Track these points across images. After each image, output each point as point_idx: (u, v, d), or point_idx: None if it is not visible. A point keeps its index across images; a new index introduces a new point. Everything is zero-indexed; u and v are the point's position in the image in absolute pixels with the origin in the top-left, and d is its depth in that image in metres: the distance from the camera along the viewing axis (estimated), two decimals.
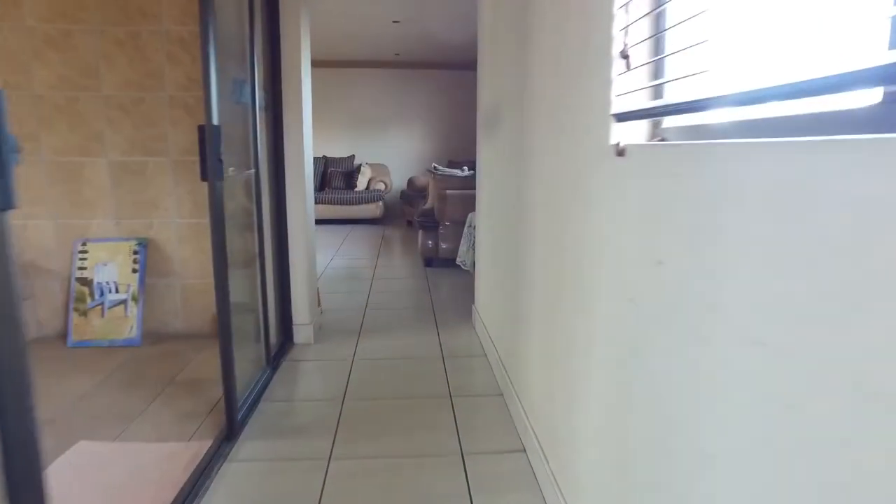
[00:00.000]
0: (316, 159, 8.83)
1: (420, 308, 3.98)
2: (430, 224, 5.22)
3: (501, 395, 2.54)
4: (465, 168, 6.72)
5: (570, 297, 1.55)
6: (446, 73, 9.24)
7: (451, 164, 8.53)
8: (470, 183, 5.34)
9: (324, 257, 5.83)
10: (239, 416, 2.22)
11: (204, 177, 1.91)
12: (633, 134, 1.21)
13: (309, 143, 3.33)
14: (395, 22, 6.59)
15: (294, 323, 3.21)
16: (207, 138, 1.89)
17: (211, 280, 2.09)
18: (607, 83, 1.23)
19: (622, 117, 1.19)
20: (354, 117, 9.28)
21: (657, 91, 1.18)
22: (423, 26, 6.88)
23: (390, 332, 3.46)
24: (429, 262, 5.38)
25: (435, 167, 6.72)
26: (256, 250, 2.73)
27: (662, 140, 1.17)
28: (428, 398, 2.53)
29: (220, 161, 1.94)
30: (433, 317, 3.76)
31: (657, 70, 1.20)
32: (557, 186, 1.67)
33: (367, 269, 5.35)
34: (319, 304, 3.70)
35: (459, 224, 5.12)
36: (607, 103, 1.23)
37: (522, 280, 2.21)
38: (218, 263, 2.00)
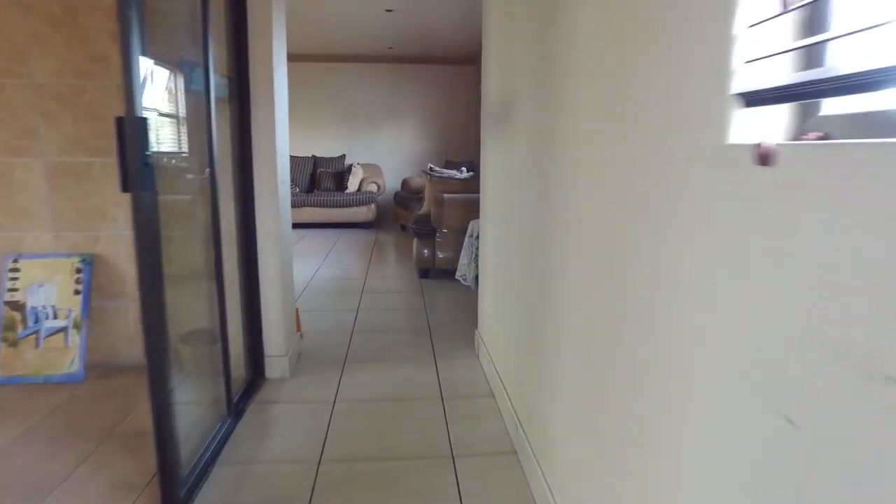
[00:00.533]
0: (304, 159, 8.34)
1: (415, 330, 3.49)
2: (425, 231, 4.74)
3: (515, 452, 2.06)
4: (464, 169, 6.24)
5: (637, 362, 1.07)
6: (443, 69, 8.75)
7: (449, 165, 8.04)
8: (471, 186, 4.86)
9: (309, 267, 5.33)
10: (183, 492, 1.73)
11: (124, 187, 1.42)
12: (767, 126, 0.73)
13: (284, 140, 2.84)
14: (387, 11, 6.10)
15: (266, 354, 2.72)
16: (128, 134, 1.40)
17: None
18: (727, 41, 0.74)
19: (756, 98, 0.71)
20: (346, 115, 8.78)
21: (807, 57, 0.70)
22: (418, 17, 6.38)
23: (380, 362, 2.97)
24: (424, 273, 4.89)
25: (431, 168, 6.25)
26: (213, 268, 2.23)
27: (824, 137, 0.69)
28: (424, 459, 2.04)
29: (148, 165, 1.44)
30: (430, 341, 3.28)
31: (814, 19, 0.71)
32: (617, 203, 1.18)
33: (357, 280, 4.86)
34: (299, 328, 3.21)
35: (459, 232, 4.64)
36: (725, 75, 0.75)
37: (546, 310, 1.73)
38: (146, 290, 1.51)
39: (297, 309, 3.29)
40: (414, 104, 8.81)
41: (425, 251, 4.75)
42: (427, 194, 4.95)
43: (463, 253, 3.79)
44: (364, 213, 7.90)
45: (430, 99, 8.81)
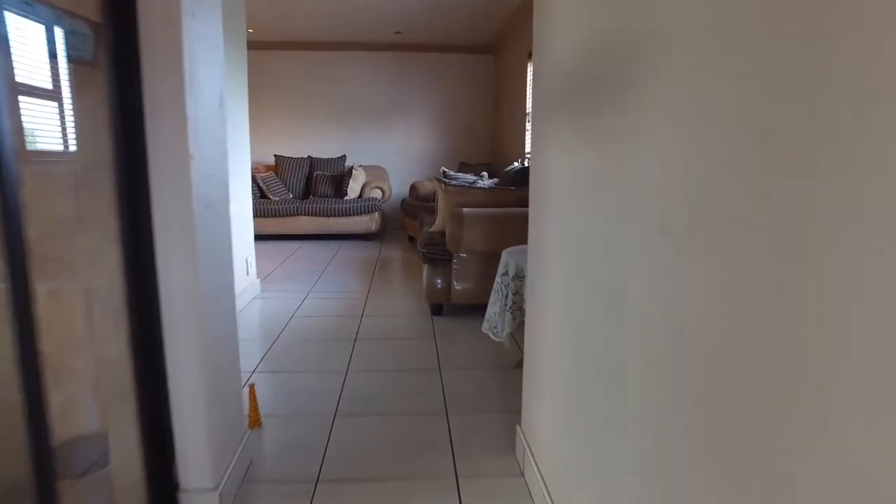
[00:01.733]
0: (299, 161, 7.30)
1: (426, 414, 2.42)
2: (438, 255, 3.67)
3: None
4: (485, 175, 5.17)
5: None
6: (458, 58, 7.68)
7: (463, 168, 6.97)
8: (498, 198, 3.79)
9: (294, 296, 4.29)
10: None
11: None
12: None
13: (214, 135, 1.79)
14: None
15: (181, 489, 1.66)
16: None
17: None
18: None
19: None
20: (346, 110, 7.73)
21: None
22: None
23: (370, 484, 1.91)
24: (437, 309, 3.83)
25: (444, 173, 5.18)
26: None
27: None
28: None
29: None
30: (447, 435, 2.21)
31: None
32: None
33: (351, 317, 3.80)
34: (254, 418, 2.16)
35: (482, 258, 3.57)
36: None
37: (694, 437, 0.66)
38: None
39: (251, 389, 2.24)
40: (424, 98, 7.75)
41: (438, 281, 3.69)
42: (440, 207, 3.88)
43: (493, 297, 2.71)
44: (366, 222, 6.85)
45: (443, 92, 7.74)
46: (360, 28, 6.78)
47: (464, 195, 3.76)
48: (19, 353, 1.11)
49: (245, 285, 4.08)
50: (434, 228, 3.96)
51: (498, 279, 2.65)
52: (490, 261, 3.65)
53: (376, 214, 6.88)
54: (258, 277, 4.50)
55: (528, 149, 5.86)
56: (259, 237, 7.15)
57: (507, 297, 2.58)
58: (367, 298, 4.30)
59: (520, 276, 2.48)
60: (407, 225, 6.77)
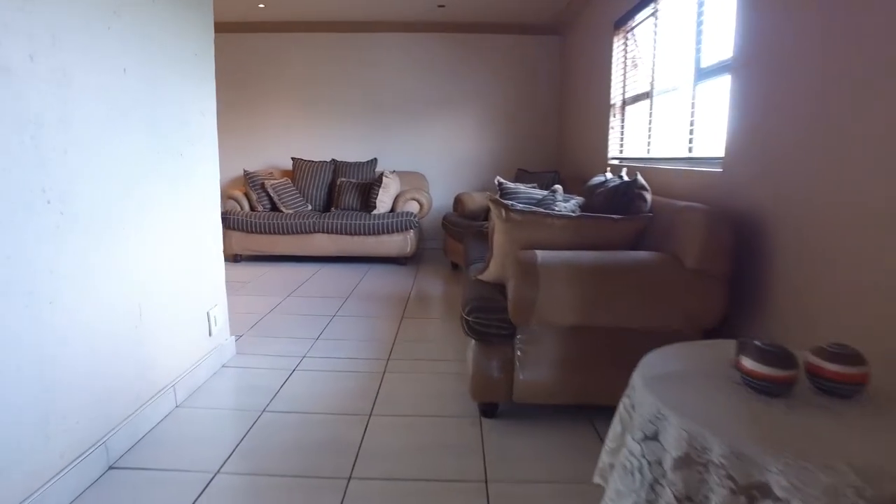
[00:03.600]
0: (320, 165, 6.01)
1: None
2: (494, 328, 2.25)
3: None
4: (558, 189, 3.71)
5: None
6: (516, 40, 6.24)
7: (523, 177, 5.52)
8: (594, 232, 2.36)
9: (277, 369, 2.93)
10: None
11: None
12: None
13: None
14: None
15: None
16: None
17: None
18: None
19: None
20: (378, 104, 6.39)
21: None
22: None
23: None
24: (490, 409, 2.39)
25: (500, 184, 3.77)
26: None
27: None
28: None
29: None
30: None
31: None
32: None
33: (353, 418, 2.42)
34: None
35: (568, 333, 2.14)
36: None
37: None
38: None
39: None
40: (472, 89, 6.33)
41: (493, 364, 2.27)
42: (497, 244, 2.45)
43: (619, 479, 1.28)
44: (399, 243, 5.48)
45: (496, 82, 6.31)
46: (395, 2, 5.43)
47: (536, 228, 2.32)
48: None
49: (204, 352, 2.76)
50: (487, 276, 2.54)
51: (632, 443, 1.19)
52: (581, 339, 2.21)
53: (411, 233, 5.50)
54: (233, 335, 3.18)
55: (614, 152, 4.37)
56: (267, 258, 5.95)
57: (651, 489, 1.12)
58: (385, 372, 2.91)
59: (696, 461, 1.03)
60: (450, 248, 5.37)
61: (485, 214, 4.90)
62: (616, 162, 4.32)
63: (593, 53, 4.86)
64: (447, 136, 6.41)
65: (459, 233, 4.96)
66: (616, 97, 4.29)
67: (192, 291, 2.65)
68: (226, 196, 5.64)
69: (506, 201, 2.40)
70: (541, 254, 2.16)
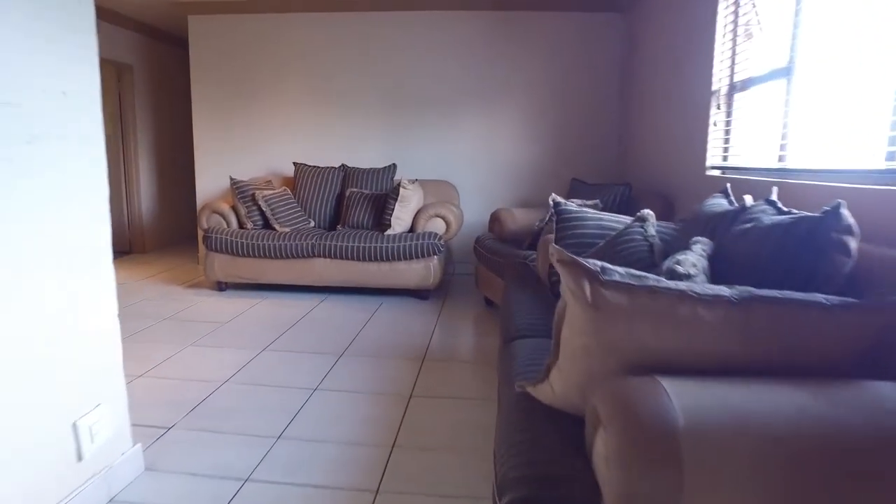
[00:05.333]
0: (327, 172, 4.94)
1: None
2: None
3: None
4: (649, 217, 2.47)
5: None
6: (569, 19, 5.02)
7: (577, 191, 4.29)
8: (787, 335, 1.05)
9: (217, 487, 1.82)
10: None
11: None
12: None
13: None
14: None
15: None
16: None
17: None
18: None
19: None
20: (397, 98, 5.25)
21: None
22: None
23: None
24: None
25: (556, 206, 2.59)
26: None
27: None
28: None
29: None
30: None
31: None
32: None
33: None
34: None
35: None
36: None
37: None
38: None
39: None
40: (515, 81, 5.13)
41: None
42: (572, 344, 1.25)
43: None
44: (419, 272, 4.33)
45: (545, 71, 5.10)
46: None
47: (661, 324, 1.10)
48: None
49: (67, 490, 1.64)
50: (545, 396, 1.33)
51: None
52: None
53: (435, 260, 4.34)
54: (146, 440, 2.07)
55: (714, 160, 3.12)
56: (258, 287, 4.87)
57: None
58: (383, 481, 1.75)
59: None
60: (483, 279, 4.19)
61: (531, 239, 3.70)
62: (717, 173, 3.07)
63: (680, 27, 3.62)
64: (483, 138, 5.22)
65: (497, 264, 3.77)
66: (720, 82, 3.04)
67: (39, 391, 1.54)
68: (210, 210, 4.59)
69: (591, 263, 1.18)
70: (678, 394, 0.96)
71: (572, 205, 2.59)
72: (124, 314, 4.03)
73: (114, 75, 6.02)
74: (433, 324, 3.83)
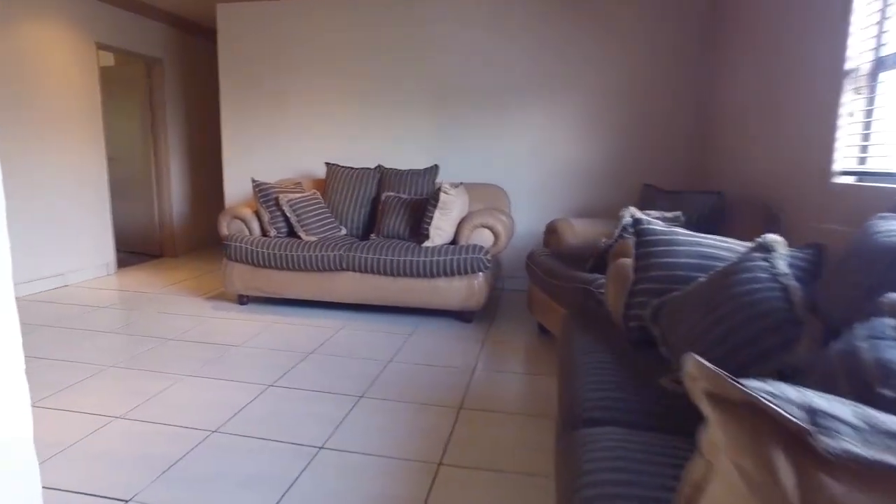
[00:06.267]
0: (361, 174, 4.39)
1: None
2: None
3: None
4: (776, 246, 1.74)
5: None
6: (638, 2, 4.31)
7: (651, 199, 3.56)
8: None
9: None
10: None
11: None
12: None
13: None
14: None
15: None
16: None
17: None
18: None
19: None
20: (443, 91, 4.66)
21: None
22: None
23: None
24: None
25: (637, 223, 1.88)
26: None
27: None
28: None
29: None
30: None
31: None
32: None
33: None
34: None
35: None
36: None
37: None
38: None
39: None
40: (575, 70, 4.45)
41: None
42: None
43: None
44: (462, 291, 3.72)
45: (611, 57, 4.40)
46: None
47: None
48: None
49: None
50: None
51: None
52: None
53: (481, 277, 3.72)
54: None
55: (845, 162, 2.38)
56: (281, 302, 4.27)
57: None
58: None
59: None
60: (537, 301, 3.54)
61: (595, 259, 3.03)
62: (849, 180, 2.33)
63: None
64: (537, 136, 4.56)
65: (554, 287, 3.12)
66: (859, 57, 2.30)
67: None
68: (230, 215, 4.13)
69: (790, 408, 0.53)
70: None
71: (658, 223, 1.92)
72: (129, 331, 3.62)
73: (144, 70, 5.68)
74: (476, 355, 3.22)
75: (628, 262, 2.16)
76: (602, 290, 2.66)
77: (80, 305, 4.12)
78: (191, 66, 6.13)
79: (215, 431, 2.28)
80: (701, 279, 1.69)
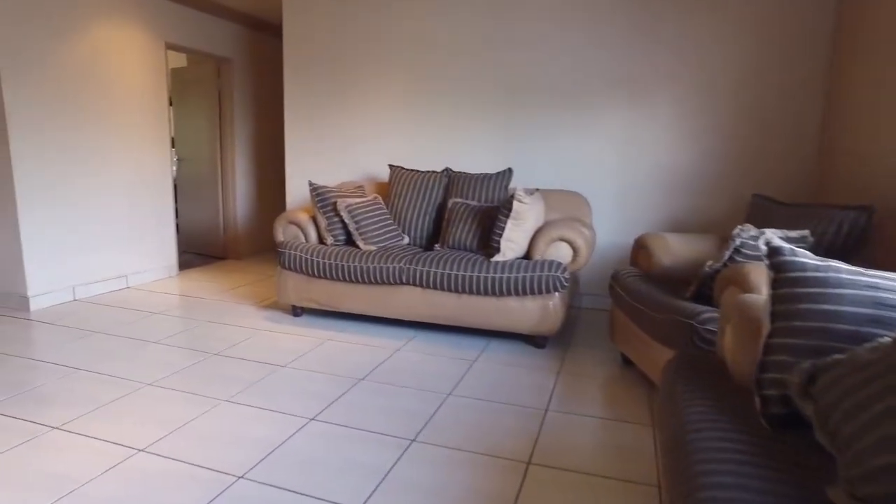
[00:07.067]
0: (426, 178, 4.03)
1: None
2: None
3: None
4: None
5: None
6: None
7: (768, 214, 2.93)
8: None
9: None
10: None
11: None
12: None
13: None
14: None
15: None
16: None
17: None
18: None
19: None
20: (518, 86, 4.22)
21: None
22: None
23: None
24: None
25: (776, 252, 1.35)
26: None
27: None
28: None
29: None
30: None
31: None
32: None
33: None
34: None
35: None
36: None
37: None
38: None
39: None
40: (671, 61, 3.89)
41: None
42: None
43: None
44: (535, 312, 3.28)
45: (713, 46, 3.80)
46: None
47: None
48: None
49: None
50: None
51: None
52: None
53: (557, 297, 3.26)
54: None
55: None
56: (336, 316, 3.95)
57: None
58: None
59: None
60: (620, 329, 3.04)
61: (698, 285, 2.50)
62: None
63: None
64: (624, 137, 4.04)
65: (644, 316, 2.62)
66: None
67: None
68: (286, 220, 3.88)
69: None
70: None
71: (808, 255, 1.42)
72: (176, 342, 3.41)
73: (214, 70, 5.59)
74: (549, 391, 2.77)
75: (757, 300, 1.66)
76: (710, 328, 2.15)
77: (136, 311, 3.98)
78: (259, 65, 6.00)
79: (241, 478, 1.96)
80: (885, 339, 1.18)
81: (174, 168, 6.40)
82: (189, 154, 5.94)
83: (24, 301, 3.94)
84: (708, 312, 2.21)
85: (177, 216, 6.06)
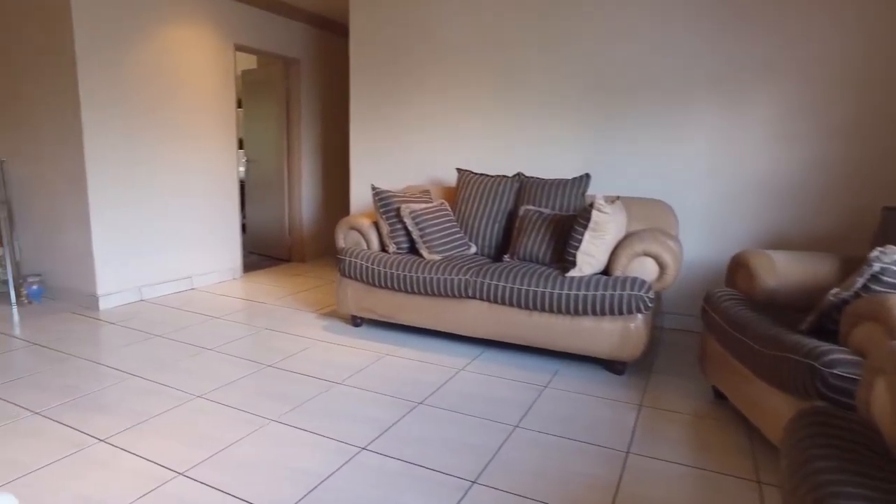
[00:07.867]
0: (496, 183, 3.75)
1: None
2: None
3: None
4: None
5: None
6: None
7: None
8: None
9: None
10: None
11: None
12: None
13: None
14: None
15: None
16: None
17: None
18: None
19: None
20: (596, 84, 3.86)
21: None
22: None
23: None
24: None
25: None
26: None
27: None
28: None
29: None
30: None
31: None
32: None
33: None
34: None
35: None
36: None
37: None
38: None
39: None
40: (782, 56, 3.43)
41: None
42: None
43: None
44: (614, 335, 2.93)
45: (829, 40, 3.32)
46: None
47: None
48: None
49: None
50: None
51: None
52: None
53: (639, 319, 2.91)
54: None
55: None
56: (397, 329, 3.67)
57: None
58: None
59: None
60: (713, 359, 2.65)
61: (817, 316, 2.10)
62: None
63: None
64: (715, 142, 3.61)
65: (745, 349, 2.24)
66: None
67: None
68: (347, 226, 3.71)
69: None
70: None
71: None
72: (232, 351, 3.29)
73: (282, 70, 5.53)
74: (629, 429, 2.43)
75: None
76: (839, 373, 1.76)
77: (196, 314, 3.92)
78: (325, 65, 5.91)
79: None
80: None
81: (243, 170, 6.43)
82: (257, 156, 5.93)
83: (93, 300, 3.96)
84: (835, 353, 1.82)
85: (244, 217, 6.07)
